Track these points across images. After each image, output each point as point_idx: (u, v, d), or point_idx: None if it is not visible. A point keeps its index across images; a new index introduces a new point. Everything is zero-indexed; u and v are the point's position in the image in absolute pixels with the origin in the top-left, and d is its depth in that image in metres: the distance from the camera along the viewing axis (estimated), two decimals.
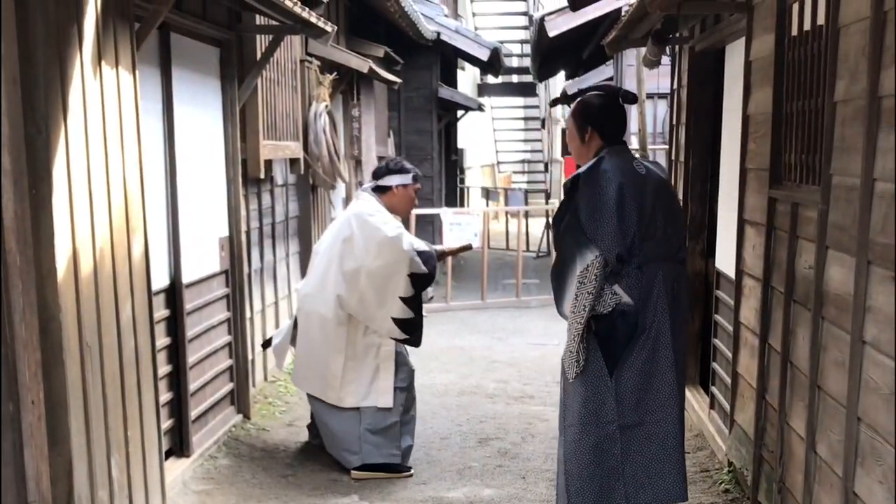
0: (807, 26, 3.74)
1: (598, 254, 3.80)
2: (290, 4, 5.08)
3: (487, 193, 20.52)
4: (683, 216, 4.23)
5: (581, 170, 3.96)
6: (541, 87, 22.63)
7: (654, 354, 3.85)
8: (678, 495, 3.92)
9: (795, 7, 3.89)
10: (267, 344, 5.82)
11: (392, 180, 5.32)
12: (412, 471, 5.19)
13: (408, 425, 5.33)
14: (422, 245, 5.17)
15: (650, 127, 9.60)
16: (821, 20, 3.55)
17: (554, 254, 4.31)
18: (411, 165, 5.45)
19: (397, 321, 5.08)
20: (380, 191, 5.32)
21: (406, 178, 5.34)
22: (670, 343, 3.85)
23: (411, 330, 5.17)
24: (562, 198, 4.07)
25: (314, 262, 5.32)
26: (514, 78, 22.79)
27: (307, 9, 5.55)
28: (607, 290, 3.84)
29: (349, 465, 5.14)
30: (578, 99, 4.22)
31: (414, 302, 5.12)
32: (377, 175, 5.40)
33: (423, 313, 5.28)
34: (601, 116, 4.08)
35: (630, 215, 3.83)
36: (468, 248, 5.98)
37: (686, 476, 3.97)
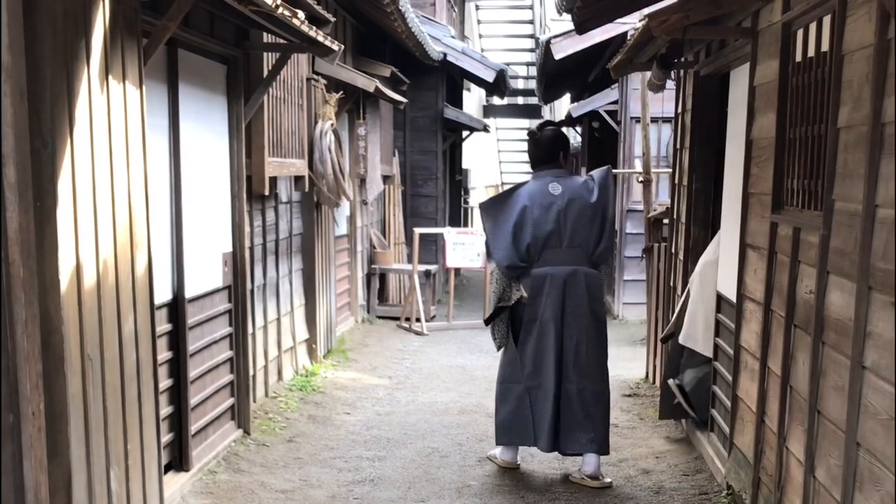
0: (811, 52, 3.76)
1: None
2: (297, 23, 5.10)
3: None
4: (609, 222, 5.21)
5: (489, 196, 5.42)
6: (546, 110, 22.70)
7: (543, 336, 5.14)
8: (548, 445, 5.24)
9: (800, 33, 3.92)
10: (667, 339, 6.38)
11: None
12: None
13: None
14: None
15: (654, 150, 9.62)
16: (825, 47, 3.58)
17: None
18: None
19: None
20: None
21: None
22: (556, 328, 5.11)
23: None
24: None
25: None
26: (520, 100, 22.88)
27: (314, 27, 5.58)
28: (514, 286, 5.22)
29: None
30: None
31: None
32: None
33: None
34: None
35: (525, 231, 5.12)
36: None
37: (557, 431, 5.21)
